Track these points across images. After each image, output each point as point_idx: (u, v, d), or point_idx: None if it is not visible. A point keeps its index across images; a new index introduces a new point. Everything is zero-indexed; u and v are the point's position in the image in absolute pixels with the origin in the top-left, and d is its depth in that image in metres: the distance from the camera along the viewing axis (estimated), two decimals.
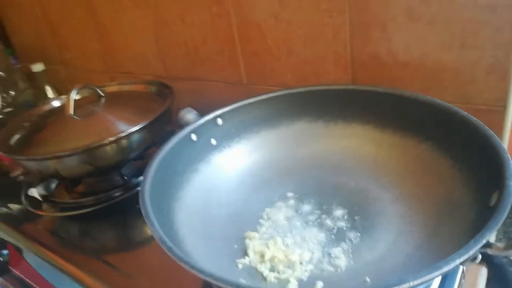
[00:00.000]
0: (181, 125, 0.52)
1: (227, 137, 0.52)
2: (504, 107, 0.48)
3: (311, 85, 0.54)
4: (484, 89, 0.49)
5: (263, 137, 0.54)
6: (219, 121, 0.52)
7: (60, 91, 0.99)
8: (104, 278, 0.46)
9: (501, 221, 0.28)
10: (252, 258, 0.39)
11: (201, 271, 0.28)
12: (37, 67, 0.94)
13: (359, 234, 0.40)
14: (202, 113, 0.53)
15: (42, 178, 0.61)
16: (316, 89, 0.53)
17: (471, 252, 0.26)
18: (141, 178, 0.61)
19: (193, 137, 0.49)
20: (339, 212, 0.43)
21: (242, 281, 0.36)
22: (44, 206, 0.60)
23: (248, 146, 0.53)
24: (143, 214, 0.34)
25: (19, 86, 0.98)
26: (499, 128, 0.49)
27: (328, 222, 0.42)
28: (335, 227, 0.42)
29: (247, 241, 0.41)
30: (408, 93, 0.48)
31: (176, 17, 0.71)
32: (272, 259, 0.38)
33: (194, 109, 0.67)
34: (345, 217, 0.43)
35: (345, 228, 0.41)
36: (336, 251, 0.38)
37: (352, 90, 0.52)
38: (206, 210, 0.44)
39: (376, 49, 0.54)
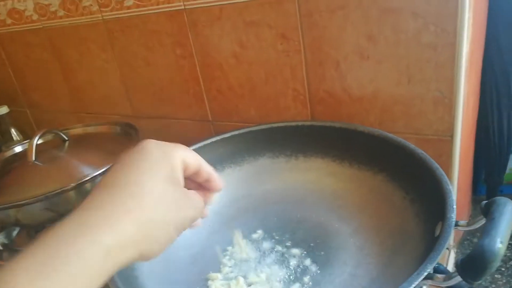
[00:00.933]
0: None
1: None
2: (452, 136, 0.51)
3: (271, 123, 0.56)
4: (433, 121, 0.52)
5: (227, 174, 0.55)
6: None
7: (27, 134, 0.98)
8: None
9: (442, 252, 0.29)
10: None
11: None
12: (1, 110, 0.93)
13: (319, 269, 0.41)
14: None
15: (2, 227, 0.59)
16: (276, 126, 0.55)
17: (413, 285, 0.27)
18: None
19: None
20: (300, 247, 0.44)
21: None
22: (4, 255, 0.58)
23: None
24: None
25: None
26: (448, 156, 0.52)
27: (290, 258, 0.43)
28: (296, 263, 0.42)
29: (209, 282, 0.41)
30: (361, 127, 0.50)
31: (140, 59, 0.73)
32: None
33: None
34: (306, 252, 0.43)
35: (306, 264, 0.42)
36: (297, 287, 0.39)
37: (310, 125, 0.54)
38: (168, 253, 0.43)
39: (331, 86, 0.57)
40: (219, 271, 0.43)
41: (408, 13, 0.48)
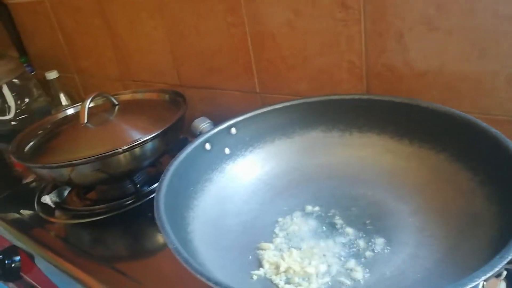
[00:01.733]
0: (195, 134, 0.51)
1: (241, 146, 0.52)
2: None
3: (325, 95, 0.54)
4: (504, 100, 0.48)
5: (277, 146, 0.53)
6: (233, 130, 0.51)
7: (74, 99, 1.00)
8: (115, 285, 0.46)
9: None
10: (267, 269, 0.38)
11: (217, 283, 0.27)
12: (51, 75, 0.95)
13: (375, 247, 0.39)
14: (215, 122, 0.53)
15: (54, 185, 0.61)
16: (330, 99, 0.53)
17: (497, 269, 0.25)
18: (153, 186, 0.61)
19: (207, 146, 0.49)
20: (355, 224, 0.42)
21: None
22: (57, 213, 0.60)
23: (262, 156, 0.52)
24: (158, 225, 0.34)
25: (34, 94, 0.99)
26: None
27: (345, 234, 0.41)
28: (352, 240, 0.41)
29: (261, 252, 0.40)
30: (425, 103, 0.47)
31: (191, 27, 0.72)
32: (287, 271, 0.37)
33: (208, 117, 0.67)
34: (362, 229, 0.42)
35: (362, 241, 0.40)
36: (353, 264, 0.38)
37: (367, 99, 0.51)
38: (220, 220, 0.44)
39: (392, 59, 0.53)
40: (271, 241, 0.42)
41: None
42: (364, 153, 0.51)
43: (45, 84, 0.99)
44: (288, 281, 0.37)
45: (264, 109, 0.54)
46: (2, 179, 0.93)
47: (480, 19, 0.46)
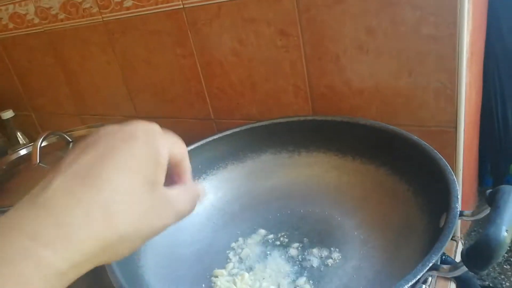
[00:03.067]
0: None
1: (194, 174, 0.52)
2: (455, 127, 0.51)
3: (273, 118, 0.56)
4: (435, 112, 0.51)
5: (230, 171, 0.55)
6: None
7: (33, 137, 0.99)
8: None
9: (446, 243, 0.29)
10: None
11: None
12: (7, 114, 0.94)
13: (323, 262, 0.41)
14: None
15: None
16: (277, 122, 0.55)
17: (419, 276, 0.27)
18: None
19: None
20: (304, 242, 0.44)
21: None
22: None
23: (215, 182, 0.54)
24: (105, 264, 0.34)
25: None
26: (452, 148, 0.51)
27: (294, 253, 0.43)
28: (301, 257, 0.42)
29: (214, 279, 0.41)
30: (363, 120, 0.50)
31: (142, 60, 0.73)
32: None
33: None
34: (311, 246, 0.43)
35: (310, 258, 0.42)
36: (301, 281, 0.39)
37: (312, 120, 0.54)
38: (173, 250, 0.44)
39: (331, 80, 0.56)
40: (224, 267, 0.43)
41: (407, 5, 0.47)
42: (312, 172, 0.53)
43: (1, 124, 0.98)
44: None
45: (215, 136, 0.55)
46: None
47: (405, 40, 0.49)
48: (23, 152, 0.69)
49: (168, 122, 0.78)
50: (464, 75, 0.47)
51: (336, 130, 0.52)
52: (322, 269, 0.40)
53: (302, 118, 0.54)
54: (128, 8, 0.69)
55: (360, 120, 0.50)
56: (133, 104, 0.81)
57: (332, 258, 0.41)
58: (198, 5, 0.62)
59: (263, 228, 0.47)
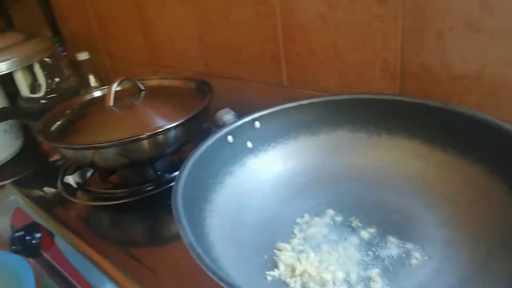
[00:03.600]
0: (218, 126, 0.50)
1: (264, 141, 0.51)
2: None
3: (356, 93, 0.52)
4: None
5: (301, 143, 0.52)
6: (257, 124, 0.50)
7: (103, 81, 1.01)
8: (128, 270, 0.46)
9: None
10: (282, 271, 0.37)
11: (229, 284, 0.26)
12: (82, 56, 0.96)
13: (399, 258, 0.37)
14: (239, 113, 0.52)
15: (78, 166, 0.62)
16: (361, 97, 0.51)
17: None
18: (174, 174, 0.61)
19: (230, 138, 0.48)
20: (378, 231, 0.41)
21: None
22: (78, 193, 0.61)
23: (285, 152, 0.51)
24: (175, 217, 0.33)
25: (64, 73, 1.01)
26: None
27: (365, 241, 0.40)
28: (373, 248, 0.39)
29: (277, 252, 0.39)
30: (461, 108, 0.44)
31: (221, 15, 0.71)
32: (303, 275, 0.36)
33: (232, 108, 0.66)
34: (385, 237, 0.40)
35: (384, 250, 0.38)
36: (373, 273, 0.36)
37: (400, 101, 0.49)
38: (238, 215, 0.43)
39: (429, 60, 0.51)
40: (288, 242, 0.40)
41: None
42: (392, 157, 0.48)
43: (76, 65, 1.01)
44: (303, 285, 0.35)
45: (290, 104, 0.52)
46: (29, 156, 0.96)
47: None
48: (96, 94, 0.70)
49: (237, 84, 0.75)
50: None
51: (426, 116, 0.47)
52: (397, 264, 0.37)
53: (389, 97, 0.49)
54: None
55: (457, 107, 0.45)
56: (206, 61, 0.79)
57: (409, 254, 0.37)
58: None
59: (331, 209, 0.44)
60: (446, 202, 0.42)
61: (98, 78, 1.01)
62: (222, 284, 0.27)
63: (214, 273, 0.27)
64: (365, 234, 0.41)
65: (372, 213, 0.43)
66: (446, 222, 0.40)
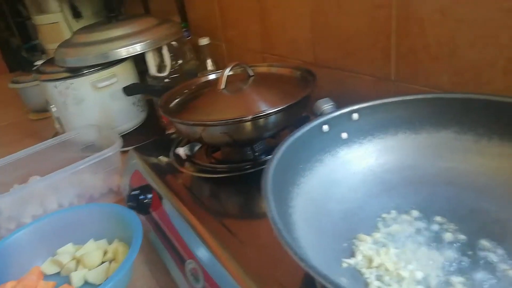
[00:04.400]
0: (316, 115, 0.52)
1: (360, 133, 0.51)
2: None
3: (468, 92, 0.48)
4: None
5: (399, 140, 0.50)
6: (355, 116, 0.50)
7: (219, 65, 1.09)
8: (220, 238, 0.50)
9: None
10: (359, 260, 0.37)
11: (303, 260, 0.28)
12: (203, 41, 1.05)
13: (488, 271, 0.35)
14: (342, 104, 0.52)
15: (188, 140, 0.69)
16: (473, 97, 0.47)
17: None
18: (270, 156, 0.64)
19: (325, 128, 0.49)
20: (470, 240, 0.38)
21: (343, 280, 0.35)
22: (186, 164, 0.68)
23: (380, 147, 0.50)
24: (263, 194, 0.36)
25: (187, 56, 1.12)
26: None
27: (454, 247, 0.38)
28: (461, 256, 0.37)
29: (357, 242, 0.40)
30: None
31: (334, 5, 0.71)
32: (379, 267, 0.36)
33: (335, 99, 0.67)
34: (476, 247, 0.37)
35: (473, 260, 0.36)
36: (455, 281, 0.34)
37: None
38: (323, 202, 0.44)
39: None
40: (370, 234, 0.41)
41: None
42: (500, 165, 0.44)
43: (197, 49, 1.10)
44: (378, 278, 0.36)
45: (393, 99, 0.51)
46: (151, 127, 1.09)
47: None
48: (211, 77, 0.77)
49: (343, 75, 0.75)
50: None
51: None
52: (482, 277, 0.35)
53: (507, 99, 0.45)
54: None
55: None
56: (314, 51, 0.80)
57: (497, 269, 0.35)
58: None
59: (421, 210, 0.43)
60: None
61: (215, 62, 1.10)
62: (297, 260, 0.29)
63: (290, 248, 0.29)
64: (454, 240, 0.39)
65: (466, 220, 0.40)
66: None
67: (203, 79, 0.77)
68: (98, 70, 0.99)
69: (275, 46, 0.92)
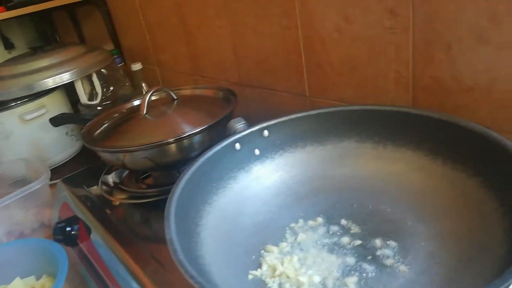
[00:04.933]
0: (230, 134, 0.54)
1: (271, 149, 0.54)
2: None
3: (362, 105, 0.53)
4: None
5: (308, 152, 0.54)
6: (266, 132, 0.53)
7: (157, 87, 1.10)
8: (148, 269, 0.49)
9: None
10: (264, 271, 0.40)
11: (192, 277, 0.30)
12: (136, 66, 1.05)
13: (378, 268, 0.38)
14: (267, 121, 0.55)
15: (113, 167, 0.69)
16: (367, 109, 0.52)
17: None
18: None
19: (237, 146, 0.51)
20: (365, 241, 0.42)
21: None
22: (115, 192, 0.68)
23: (291, 160, 0.54)
24: (165, 215, 0.38)
25: (119, 82, 1.12)
26: None
27: (351, 250, 0.41)
28: (357, 257, 0.40)
29: (264, 253, 0.42)
30: (463, 122, 0.44)
31: (250, 27, 0.75)
32: (281, 276, 0.38)
33: (261, 116, 0.69)
34: (371, 247, 0.41)
35: (367, 260, 0.40)
36: (350, 281, 0.37)
37: (405, 113, 0.49)
38: (236, 217, 0.46)
39: (439, 71, 0.50)
40: (277, 245, 0.43)
41: None
42: (395, 168, 0.49)
43: (131, 75, 1.11)
44: (280, 286, 0.38)
45: (299, 115, 0.54)
46: (88, 156, 1.07)
47: None
48: (136, 103, 0.77)
49: (266, 93, 0.79)
50: None
51: (431, 128, 0.47)
52: (376, 274, 0.38)
53: (395, 109, 0.50)
54: None
55: (460, 121, 0.44)
56: (238, 71, 0.84)
57: (390, 265, 0.38)
58: None
59: (326, 216, 0.46)
60: (439, 215, 0.41)
61: (149, 86, 1.10)
62: (186, 277, 0.30)
63: (181, 266, 0.31)
64: (353, 242, 0.42)
65: (365, 222, 0.44)
66: (435, 235, 0.40)
67: (128, 106, 0.77)
68: (25, 102, 0.96)
69: (203, 68, 0.95)
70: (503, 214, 0.36)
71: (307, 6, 0.62)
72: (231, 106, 0.66)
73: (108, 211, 0.65)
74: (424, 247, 0.39)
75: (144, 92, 1.09)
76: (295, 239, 0.44)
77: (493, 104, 0.47)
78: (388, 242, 0.41)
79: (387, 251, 0.40)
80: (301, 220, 0.46)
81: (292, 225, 0.46)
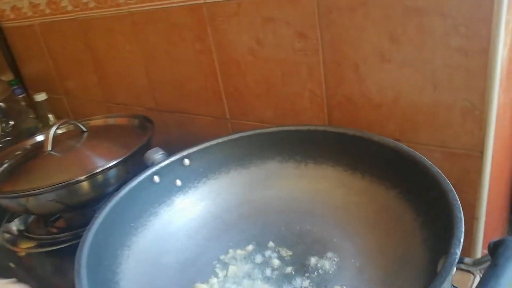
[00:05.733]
0: (147, 166, 0.51)
1: (194, 177, 0.51)
2: (482, 152, 0.45)
3: (282, 125, 0.53)
4: (461, 133, 0.46)
5: (232, 178, 0.52)
6: (186, 161, 0.51)
7: (63, 119, 1.01)
8: None
9: None
10: None
11: None
12: (40, 97, 0.96)
13: None
14: (189, 147, 0.52)
15: (16, 214, 0.61)
16: (286, 129, 0.52)
17: None
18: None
19: (156, 179, 0.48)
20: (296, 264, 0.41)
21: None
22: (20, 241, 0.60)
23: (216, 187, 0.52)
24: (75, 267, 0.33)
25: (22, 115, 1.01)
26: (477, 174, 0.46)
27: (284, 274, 0.40)
28: (288, 281, 0.39)
29: None
30: (376, 137, 0.46)
31: (163, 53, 0.72)
32: None
33: (183, 142, 0.67)
34: (301, 270, 0.40)
35: (298, 283, 0.39)
36: None
37: (322, 131, 0.50)
38: (158, 257, 0.43)
39: (349, 90, 0.52)
40: (207, 282, 0.41)
41: (436, 13, 0.42)
42: (318, 186, 0.49)
43: (35, 106, 1.01)
44: None
45: (220, 140, 0.53)
46: None
47: (432, 52, 0.44)
48: (39, 138, 0.70)
49: (186, 118, 0.76)
50: (495, 95, 0.42)
51: (347, 144, 0.48)
52: None
53: (312, 128, 0.51)
54: (152, 0, 0.68)
55: (373, 136, 0.46)
56: (154, 96, 0.80)
57: (321, 286, 0.38)
58: (219, 1, 0.59)
59: (256, 243, 0.45)
60: (364, 230, 0.42)
61: (57, 117, 1.02)
62: None
63: None
64: (285, 268, 0.41)
65: (295, 245, 0.44)
66: (361, 250, 0.40)
67: (32, 141, 0.70)
68: None
69: (116, 94, 0.89)
70: (421, 225, 0.37)
71: (219, 31, 0.62)
72: (148, 135, 0.63)
73: (11, 264, 0.57)
74: (353, 263, 0.39)
75: (51, 124, 1.00)
76: (226, 272, 0.41)
77: (400, 118, 0.50)
78: (318, 264, 0.40)
79: (320, 272, 0.39)
80: (230, 250, 0.44)
81: (222, 257, 0.44)
